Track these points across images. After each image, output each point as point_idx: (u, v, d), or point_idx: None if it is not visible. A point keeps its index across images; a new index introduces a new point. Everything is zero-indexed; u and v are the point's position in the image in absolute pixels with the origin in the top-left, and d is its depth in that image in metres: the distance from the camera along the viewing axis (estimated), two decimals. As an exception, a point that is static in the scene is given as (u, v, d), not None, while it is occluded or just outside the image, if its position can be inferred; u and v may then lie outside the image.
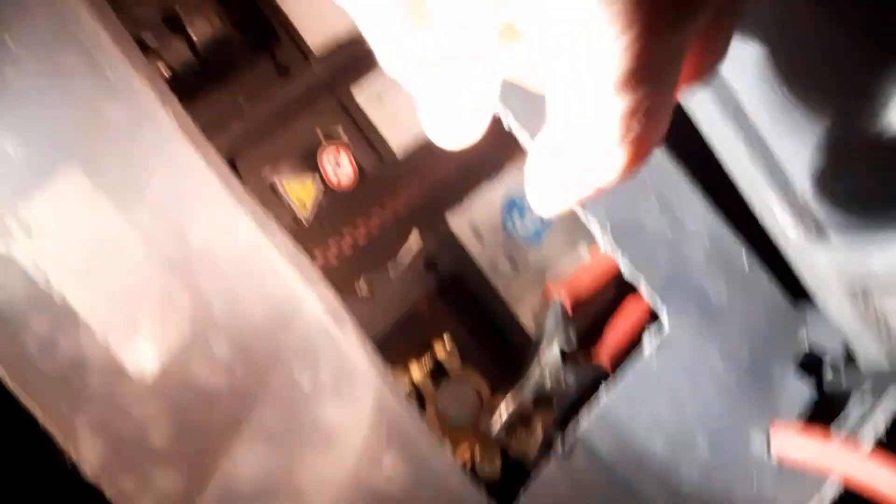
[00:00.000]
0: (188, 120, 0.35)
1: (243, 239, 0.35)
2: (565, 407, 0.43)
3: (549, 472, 0.40)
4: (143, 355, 0.32)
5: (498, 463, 0.43)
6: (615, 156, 0.24)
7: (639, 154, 0.24)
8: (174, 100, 0.35)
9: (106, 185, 0.33)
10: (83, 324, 0.31)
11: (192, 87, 0.35)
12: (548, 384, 0.43)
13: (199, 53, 0.41)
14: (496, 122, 0.41)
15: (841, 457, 0.41)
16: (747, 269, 0.46)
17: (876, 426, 0.43)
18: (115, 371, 0.31)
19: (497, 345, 0.47)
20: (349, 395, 0.35)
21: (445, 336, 0.45)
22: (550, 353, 0.43)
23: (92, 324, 0.31)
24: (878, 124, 0.36)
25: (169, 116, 0.35)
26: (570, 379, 0.43)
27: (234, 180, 0.36)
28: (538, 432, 0.43)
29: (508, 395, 0.43)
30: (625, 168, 0.24)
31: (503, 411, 0.42)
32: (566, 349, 0.43)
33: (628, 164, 0.24)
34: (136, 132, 0.34)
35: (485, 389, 0.45)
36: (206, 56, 0.42)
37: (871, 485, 0.39)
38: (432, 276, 0.46)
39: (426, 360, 0.44)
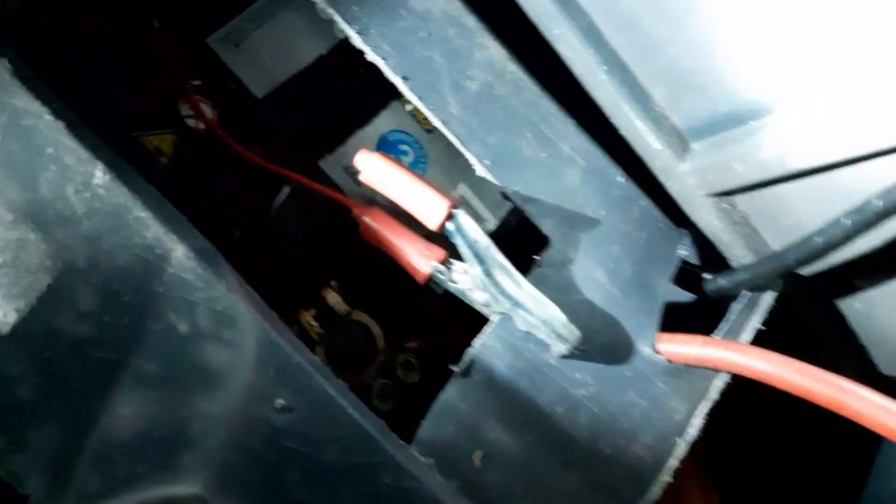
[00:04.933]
0: (26, 68, 0.34)
1: (99, 187, 0.34)
2: None
3: (449, 394, 0.40)
4: (-3, 310, 0.30)
5: (393, 399, 0.43)
6: None
7: None
8: (9, 50, 0.33)
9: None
10: (-75, 282, 0.29)
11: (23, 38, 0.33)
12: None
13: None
14: (370, 70, 0.41)
15: (723, 349, 0.43)
16: (623, 188, 0.48)
17: (753, 327, 0.45)
18: (-32, 328, 0.30)
19: (386, 284, 0.46)
20: (230, 336, 0.34)
21: (332, 282, 0.45)
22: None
23: (-64, 282, 0.29)
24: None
25: (3, 67, 0.33)
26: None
27: (86, 129, 0.35)
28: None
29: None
30: None
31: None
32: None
33: None
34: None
35: (376, 328, 0.45)
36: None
37: (755, 370, 0.41)
38: (312, 221, 0.45)
39: (314, 307, 0.44)
